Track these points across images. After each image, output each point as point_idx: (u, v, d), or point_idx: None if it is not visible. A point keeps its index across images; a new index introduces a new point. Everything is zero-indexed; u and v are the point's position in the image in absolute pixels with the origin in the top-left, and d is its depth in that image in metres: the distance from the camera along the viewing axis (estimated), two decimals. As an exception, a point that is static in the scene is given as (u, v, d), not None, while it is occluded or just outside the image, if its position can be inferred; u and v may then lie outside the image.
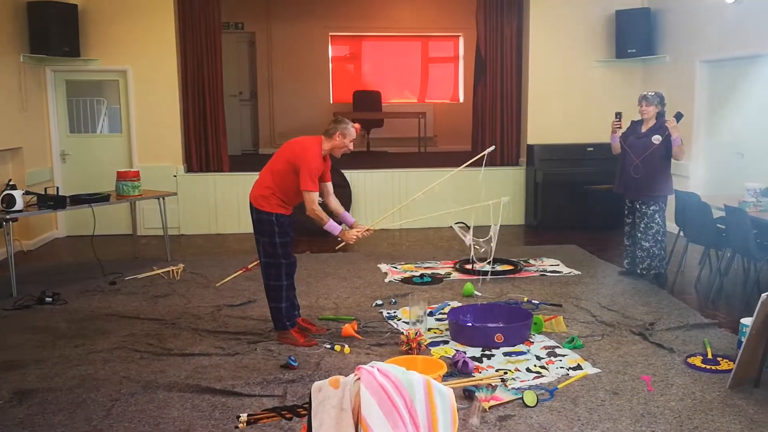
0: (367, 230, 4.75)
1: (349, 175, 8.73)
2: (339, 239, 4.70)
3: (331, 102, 12.82)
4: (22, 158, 7.49)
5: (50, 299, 5.53)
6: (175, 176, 8.51)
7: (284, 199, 4.54)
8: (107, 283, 6.11)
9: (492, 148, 5.39)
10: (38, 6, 7.54)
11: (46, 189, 6.26)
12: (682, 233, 6.09)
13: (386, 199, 8.80)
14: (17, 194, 5.71)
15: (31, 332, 4.87)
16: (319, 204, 4.64)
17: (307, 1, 12.17)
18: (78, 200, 6.24)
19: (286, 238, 4.59)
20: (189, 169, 8.71)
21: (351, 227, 4.76)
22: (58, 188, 6.44)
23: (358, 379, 2.19)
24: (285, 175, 4.48)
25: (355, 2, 12.31)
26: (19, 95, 7.44)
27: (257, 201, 4.55)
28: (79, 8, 7.99)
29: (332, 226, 4.54)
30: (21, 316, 5.26)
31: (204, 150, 8.77)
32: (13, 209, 5.68)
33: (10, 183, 6.10)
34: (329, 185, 4.77)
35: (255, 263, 6.79)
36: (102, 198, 6.43)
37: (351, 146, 4.61)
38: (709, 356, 4.24)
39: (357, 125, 4.63)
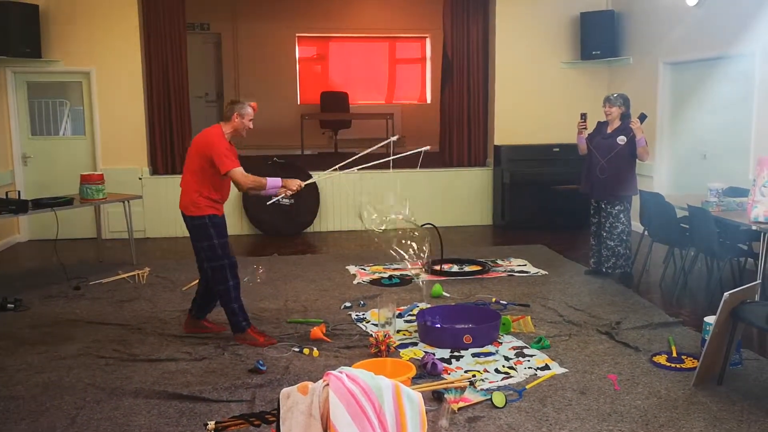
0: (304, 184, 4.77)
1: (317, 176, 8.67)
2: (281, 198, 4.70)
3: (299, 103, 12.76)
4: (-19, 161, 7.33)
5: (12, 305, 5.41)
6: (140, 179, 8.39)
7: (213, 196, 4.51)
8: (71, 288, 6.00)
9: (427, 147, 5.37)
10: (-4, 6, 7.38)
11: (7, 193, 6.12)
12: (646, 233, 6.19)
13: (353, 199, 8.78)
14: (-24, 198, 5.58)
15: (-9, 340, 4.76)
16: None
17: (274, 1, 12.09)
18: (40, 204, 6.11)
19: (224, 238, 4.58)
20: (154, 171, 8.59)
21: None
22: (19, 192, 6.29)
23: (327, 384, 2.18)
24: (204, 170, 4.44)
25: (322, 3, 12.27)
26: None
27: (188, 209, 4.53)
28: (40, 9, 7.82)
29: (272, 182, 4.56)
30: (-19, 323, 5.14)
31: (170, 152, 8.65)
32: (-28, 214, 5.55)
33: (-31, 187, 5.94)
34: None
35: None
36: (65, 201, 6.31)
37: (250, 125, 4.57)
38: (674, 354, 4.31)
39: (254, 104, 4.61)
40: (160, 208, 8.43)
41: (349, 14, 12.67)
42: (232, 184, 4.60)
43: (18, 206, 5.90)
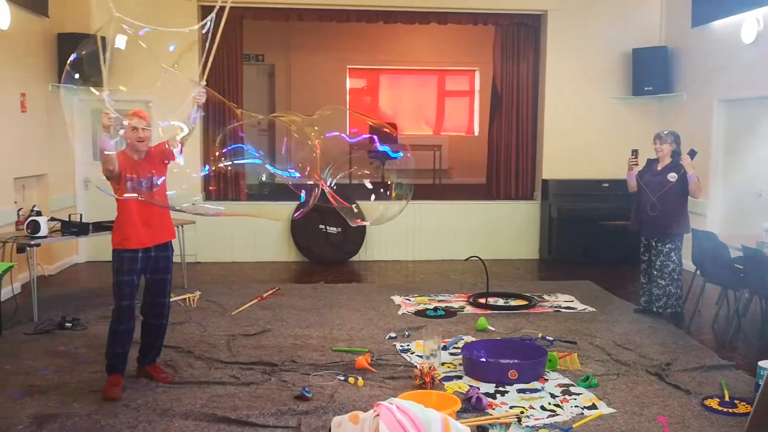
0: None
1: (364, 206, 8.79)
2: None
3: (348, 133, 12.94)
4: (46, 184, 7.64)
5: (70, 324, 5.60)
6: (193, 204, 8.58)
7: (127, 222, 4.24)
8: (125, 310, 6.17)
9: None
10: (68, 38, 7.75)
11: (70, 216, 6.38)
12: (698, 272, 6.07)
13: (400, 230, 8.85)
14: (42, 221, 5.82)
15: (51, 357, 4.93)
16: None
17: (326, 34, 12.38)
18: (100, 227, 6.33)
19: (123, 276, 4.22)
20: (207, 197, 8.81)
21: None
22: (81, 215, 6.54)
23: (377, 415, 2.22)
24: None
25: (373, 36, 12.51)
26: (46, 123, 7.61)
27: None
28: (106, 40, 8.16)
29: (102, 142, 4.06)
30: (42, 340, 5.33)
31: (222, 179, 8.89)
32: (37, 235, 5.79)
33: (35, 209, 6.21)
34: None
35: (270, 292, 6.87)
36: (123, 225, 6.51)
37: (134, 134, 4.27)
38: (726, 399, 4.21)
39: (132, 111, 4.36)
40: (211, 233, 8.64)
41: (400, 47, 12.88)
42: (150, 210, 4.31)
43: (79, 228, 6.14)
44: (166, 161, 4.45)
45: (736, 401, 4.17)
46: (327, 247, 8.69)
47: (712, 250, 5.71)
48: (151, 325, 4.52)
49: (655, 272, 5.95)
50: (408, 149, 4.39)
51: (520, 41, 9.19)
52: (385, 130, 4.52)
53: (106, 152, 4.06)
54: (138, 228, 4.29)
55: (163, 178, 4.43)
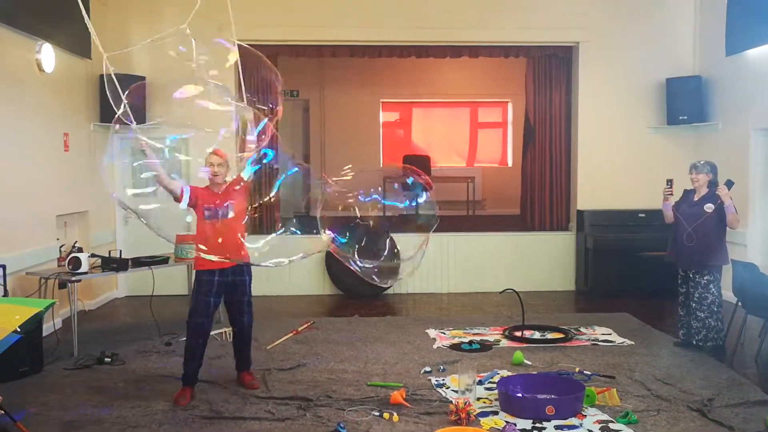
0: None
1: (398, 238, 8.81)
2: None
3: (381, 166, 13.05)
4: (87, 221, 7.85)
5: (109, 359, 5.69)
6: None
7: (202, 244, 4.75)
8: (163, 344, 6.26)
9: None
10: (110, 78, 8.01)
11: (110, 252, 6.53)
12: (740, 304, 5.93)
13: (434, 263, 8.84)
14: (83, 257, 5.98)
15: (90, 392, 5.01)
16: None
17: (360, 69, 12.58)
18: (139, 262, 6.47)
19: (199, 296, 4.85)
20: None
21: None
22: (120, 251, 6.68)
23: (410, 454, 2.22)
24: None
25: (406, 70, 12.66)
26: (88, 162, 7.85)
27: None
28: (147, 79, 8.43)
29: (153, 165, 4.93)
30: (81, 375, 5.42)
31: (257, 212, 9.00)
32: (78, 271, 5.94)
33: (77, 245, 6.38)
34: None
35: (305, 326, 6.90)
36: (161, 260, 6.65)
37: (214, 169, 5.12)
38: (772, 436, 4.09)
39: (211, 150, 5.12)
40: (247, 267, 8.72)
41: (432, 80, 13.00)
42: (221, 228, 4.91)
43: (119, 265, 6.28)
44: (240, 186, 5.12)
45: (782, 439, 4.05)
46: (361, 279, 8.66)
47: (753, 281, 5.60)
48: (236, 335, 5.20)
49: (693, 305, 5.84)
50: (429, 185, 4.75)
51: (552, 73, 9.22)
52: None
53: (155, 172, 4.86)
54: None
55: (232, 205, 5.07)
